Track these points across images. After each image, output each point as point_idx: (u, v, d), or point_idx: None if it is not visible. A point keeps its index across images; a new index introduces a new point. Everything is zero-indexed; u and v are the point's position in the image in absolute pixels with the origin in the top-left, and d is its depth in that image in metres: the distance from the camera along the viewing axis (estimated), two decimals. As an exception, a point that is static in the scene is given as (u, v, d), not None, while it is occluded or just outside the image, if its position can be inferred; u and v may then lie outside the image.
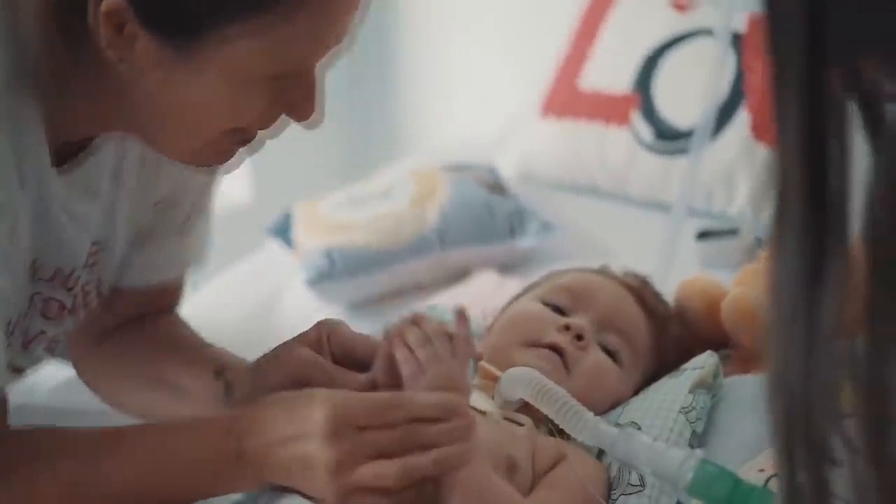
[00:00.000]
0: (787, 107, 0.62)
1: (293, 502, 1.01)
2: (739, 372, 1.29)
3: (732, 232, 1.72)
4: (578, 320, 1.23)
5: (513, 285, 1.65)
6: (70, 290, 1.05)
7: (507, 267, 1.75)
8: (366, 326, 1.62)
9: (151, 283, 1.19)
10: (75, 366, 1.26)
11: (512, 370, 1.12)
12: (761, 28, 0.64)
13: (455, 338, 1.06)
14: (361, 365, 1.09)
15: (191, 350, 1.20)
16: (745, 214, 1.80)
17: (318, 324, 1.13)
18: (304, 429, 0.93)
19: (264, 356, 1.13)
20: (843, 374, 0.64)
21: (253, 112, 0.94)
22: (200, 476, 0.97)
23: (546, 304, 1.27)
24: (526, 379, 1.08)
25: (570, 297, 1.28)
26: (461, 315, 0.97)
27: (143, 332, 1.22)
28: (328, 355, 1.09)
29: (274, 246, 1.90)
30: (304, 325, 1.62)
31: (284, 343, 1.12)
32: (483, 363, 1.20)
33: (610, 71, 1.98)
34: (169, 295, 1.25)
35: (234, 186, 2.57)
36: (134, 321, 1.23)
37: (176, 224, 1.17)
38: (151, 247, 1.16)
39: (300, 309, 1.72)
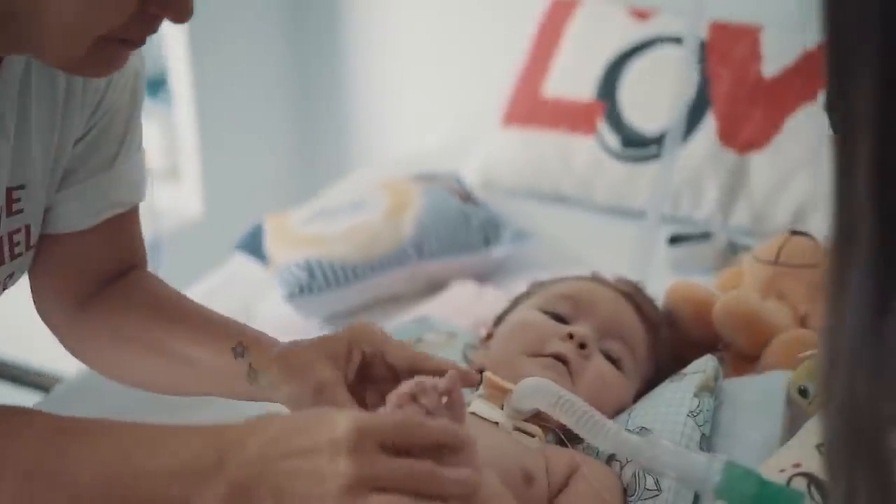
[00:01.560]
0: (856, 138, 0.60)
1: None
2: (734, 374, 1.31)
3: (704, 236, 1.75)
4: (581, 329, 1.24)
5: (491, 294, 1.66)
6: None
7: (482, 276, 1.76)
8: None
9: (89, 224, 1.14)
10: (58, 334, 1.22)
11: (527, 381, 1.11)
12: (821, 58, 0.62)
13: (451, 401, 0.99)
14: (391, 373, 1.07)
15: (193, 316, 1.15)
16: (713, 219, 1.83)
17: (350, 332, 1.09)
18: (320, 441, 0.86)
19: (290, 350, 1.08)
20: None
21: (124, 13, 0.90)
22: (163, 484, 0.87)
23: (546, 312, 1.28)
24: (543, 389, 1.08)
25: (570, 305, 1.28)
26: (453, 376, 0.95)
27: (127, 294, 1.18)
28: (354, 370, 1.07)
29: (241, 261, 1.87)
30: (280, 339, 1.61)
31: (308, 348, 1.08)
32: (489, 374, 1.20)
33: (572, 79, 2.00)
34: (124, 240, 1.20)
35: (186, 201, 2.53)
36: (113, 282, 1.19)
37: (105, 160, 1.13)
38: (80, 186, 1.12)
39: (276, 322, 1.69)
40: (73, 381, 1.57)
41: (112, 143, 1.13)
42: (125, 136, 1.14)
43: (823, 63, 0.62)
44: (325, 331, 1.64)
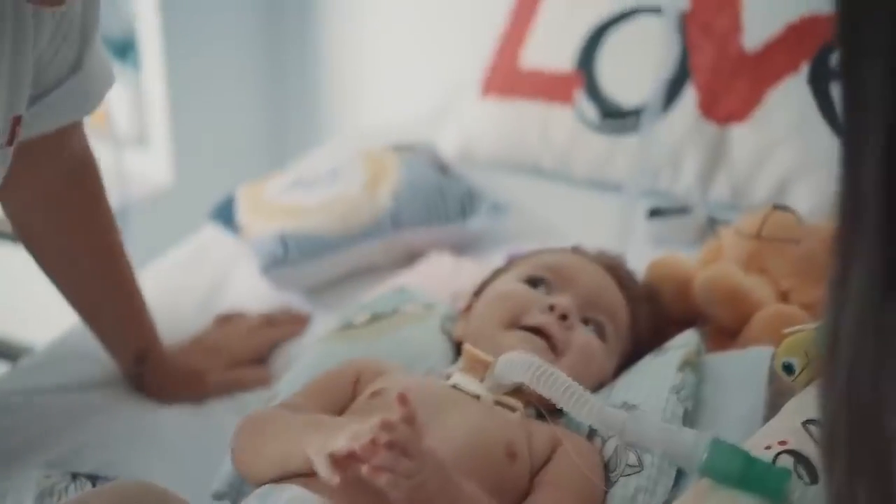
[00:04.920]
0: (866, 126, 0.60)
1: (291, 493, 0.99)
2: (715, 349, 1.30)
3: (683, 210, 1.73)
4: (562, 300, 1.22)
5: (467, 267, 1.64)
6: None
7: (459, 248, 1.73)
8: (321, 311, 1.60)
9: (62, 123, 1.22)
10: (23, 235, 1.34)
11: (509, 354, 1.10)
12: (839, 52, 0.62)
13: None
14: None
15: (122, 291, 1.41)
16: (692, 192, 1.81)
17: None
18: None
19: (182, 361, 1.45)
20: None
21: None
22: None
23: (528, 282, 1.26)
24: (525, 363, 1.07)
25: (551, 276, 1.27)
26: (402, 398, 0.93)
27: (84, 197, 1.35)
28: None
29: (210, 231, 1.83)
30: (256, 310, 1.59)
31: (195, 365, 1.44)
32: (468, 346, 1.18)
33: (551, 49, 1.97)
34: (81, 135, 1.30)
35: (155, 170, 2.49)
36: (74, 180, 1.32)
37: (68, 65, 1.15)
38: (57, 92, 1.15)
39: (249, 295, 1.67)
40: (41, 352, 1.53)
41: (73, 42, 1.14)
42: (85, 34, 1.14)
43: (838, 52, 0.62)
44: (303, 303, 1.63)
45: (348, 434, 0.92)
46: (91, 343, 1.44)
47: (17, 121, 1.07)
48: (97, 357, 1.46)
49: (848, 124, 0.63)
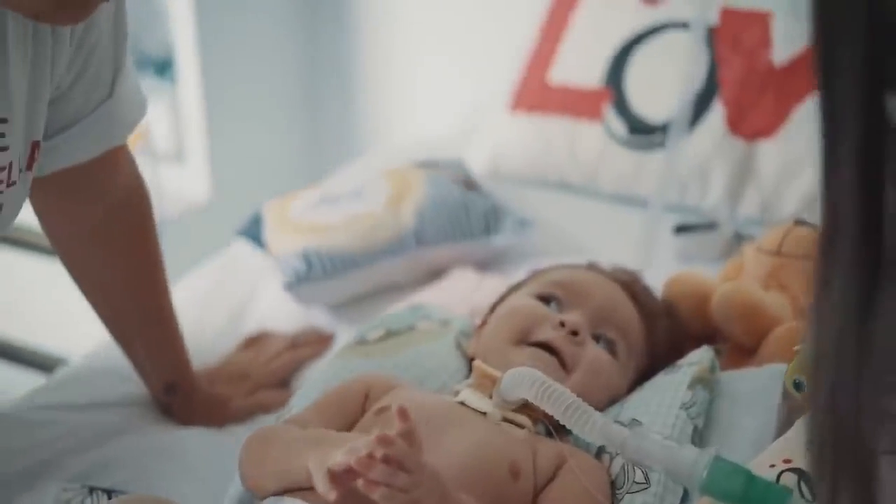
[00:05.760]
0: (841, 134, 0.60)
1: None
2: (732, 366, 1.29)
3: (710, 226, 1.72)
4: (573, 316, 1.22)
5: (490, 283, 1.64)
6: None
7: (483, 264, 1.73)
8: (345, 327, 1.61)
9: (94, 153, 1.21)
10: (64, 260, 1.34)
11: (514, 370, 1.09)
12: (811, 54, 0.62)
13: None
14: None
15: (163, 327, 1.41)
16: (720, 208, 1.80)
17: None
18: None
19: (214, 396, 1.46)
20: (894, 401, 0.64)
21: None
22: None
23: (539, 299, 1.26)
24: (529, 379, 1.06)
25: (563, 292, 1.27)
26: (402, 413, 0.93)
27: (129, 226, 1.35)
28: None
29: (242, 246, 1.85)
30: (280, 327, 1.61)
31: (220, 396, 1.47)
32: (478, 362, 1.18)
33: (580, 65, 1.97)
34: (126, 164, 1.30)
35: (192, 185, 2.52)
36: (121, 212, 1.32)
37: (103, 90, 1.16)
38: (87, 120, 1.16)
39: (276, 310, 1.68)
40: (75, 366, 1.56)
41: (105, 71, 1.15)
42: (116, 62, 1.15)
43: (813, 61, 0.63)
44: (326, 319, 1.64)
45: (346, 449, 0.93)
46: (124, 361, 1.46)
47: (35, 146, 1.08)
48: (130, 375, 1.47)
49: (825, 136, 0.63)
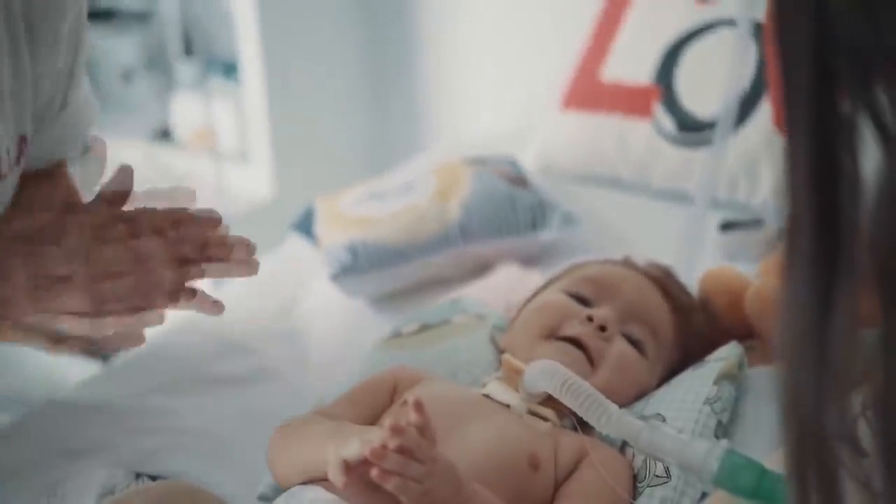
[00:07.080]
0: (797, 127, 0.62)
1: (314, 493, 1.03)
2: (764, 363, 1.28)
3: (757, 223, 1.71)
4: (601, 311, 1.23)
5: (535, 278, 1.65)
6: None
7: (529, 260, 1.75)
8: (388, 320, 1.64)
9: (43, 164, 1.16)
10: None
11: (535, 363, 1.11)
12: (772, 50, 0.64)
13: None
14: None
15: None
16: (769, 205, 1.79)
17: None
18: None
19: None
20: (856, 396, 0.64)
21: None
22: None
23: (570, 294, 1.27)
24: (549, 372, 1.08)
25: (593, 287, 1.28)
26: (417, 405, 0.95)
27: None
28: None
29: (297, 241, 1.90)
30: (327, 319, 1.64)
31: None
32: (506, 356, 1.20)
33: (631, 62, 1.97)
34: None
35: (257, 183, 2.58)
36: None
37: (56, 102, 1.14)
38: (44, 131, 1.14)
39: (325, 302, 1.72)
40: (132, 354, 1.61)
41: (61, 82, 1.13)
42: (73, 73, 1.13)
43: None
44: (371, 312, 1.68)
45: (361, 439, 0.95)
46: (180, 347, 1.50)
47: (23, 140, 1.08)
48: (186, 362, 1.52)
49: (786, 132, 0.64)
